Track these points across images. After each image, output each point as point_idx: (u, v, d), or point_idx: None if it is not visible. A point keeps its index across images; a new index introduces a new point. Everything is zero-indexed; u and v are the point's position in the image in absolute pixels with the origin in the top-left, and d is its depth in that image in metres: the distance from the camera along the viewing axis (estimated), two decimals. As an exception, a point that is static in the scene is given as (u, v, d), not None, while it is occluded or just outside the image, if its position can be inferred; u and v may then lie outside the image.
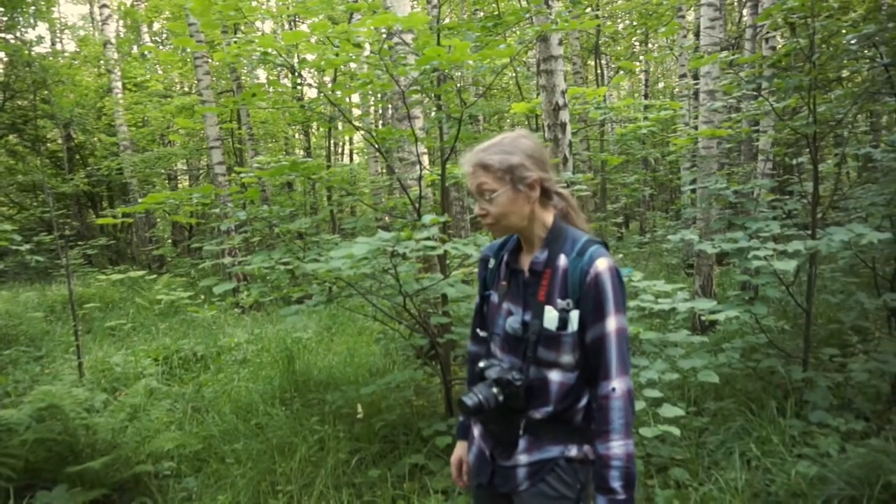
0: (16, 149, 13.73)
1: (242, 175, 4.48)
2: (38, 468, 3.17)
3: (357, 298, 3.98)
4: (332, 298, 3.40)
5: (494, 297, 1.68)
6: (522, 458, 1.57)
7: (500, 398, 1.53)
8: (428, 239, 2.62)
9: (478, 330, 1.79)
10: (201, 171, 16.56)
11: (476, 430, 1.73)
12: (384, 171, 13.05)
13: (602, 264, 1.48)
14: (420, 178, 3.87)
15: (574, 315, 1.49)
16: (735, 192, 4.42)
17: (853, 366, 3.90)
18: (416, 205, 3.73)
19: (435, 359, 4.42)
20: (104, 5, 13.46)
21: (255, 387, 4.76)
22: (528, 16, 3.83)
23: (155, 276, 10.45)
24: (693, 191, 6.91)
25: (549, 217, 1.60)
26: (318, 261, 2.89)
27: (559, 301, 1.51)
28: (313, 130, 17.41)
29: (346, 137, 20.54)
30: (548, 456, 1.55)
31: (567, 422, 1.55)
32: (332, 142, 15.41)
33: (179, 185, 17.69)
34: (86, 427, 3.47)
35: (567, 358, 1.52)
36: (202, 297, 8.54)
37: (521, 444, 1.57)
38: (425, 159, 5.44)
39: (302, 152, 16.26)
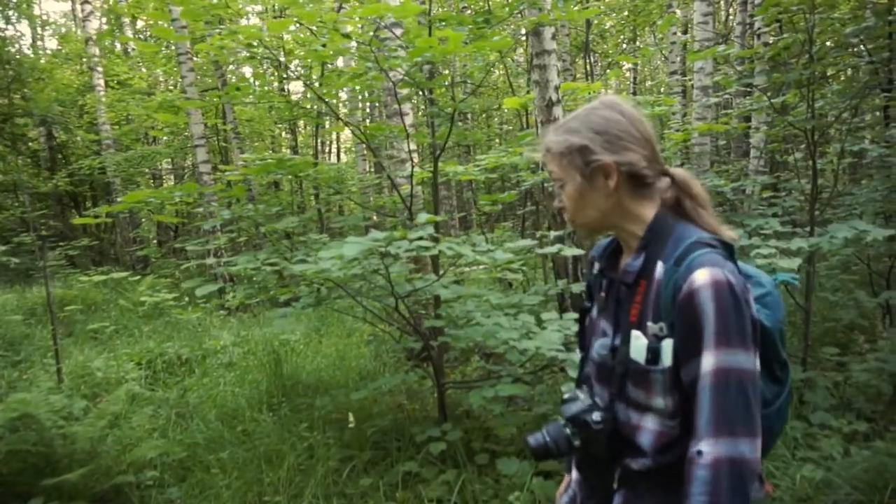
0: (-6, 148, 13.45)
1: (228, 173, 4.35)
2: (11, 481, 3.02)
3: (347, 300, 3.85)
4: (321, 300, 3.28)
5: (594, 311, 1.34)
6: None
7: (576, 442, 1.22)
8: (422, 239, 2.51)
9: (580, 350, 1.43)
10: (186, 171, 16.33)
11: (574, 472, 1.40)
12: (372, 169, 12.93)
13: (702, 276, 1.07)
14: (411, 175, 3.75)
15: (667, 345, 1.12)
16: (731, 189, 4.36)
17: (854, 366, 3.83)
18: (408, 203, 3.62)
19: (427, 361, 4.31)
20: (86, 1, 13.20)
21: (242, 391, 4.62)
22: (521, 6, 3.72)
23: (139, 277, 10.25)
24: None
25: (648, 210, 1.22)
26: (307, 261, 2.77)
27: (651, 325, 1.14)
28: (300, 129, 17.23)
29: (334, 136, 20.38)
30: None
31: (675, 478, 1.12)
32: (319, 140, 15.24)
33: (164, 185, 17.43)
34: (63, 436, 3.32)
35: (659, 401, 1.15)
36: (187, 298, 8.37)
37: (616, 499, 1.24)
38: (415, 157, 5.32)
39: (288, 151, 16.08)
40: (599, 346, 1.27)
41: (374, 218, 7.81)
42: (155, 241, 14.76)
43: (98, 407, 4.07)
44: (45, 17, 19.25)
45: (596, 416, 1.20)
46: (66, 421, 3.64)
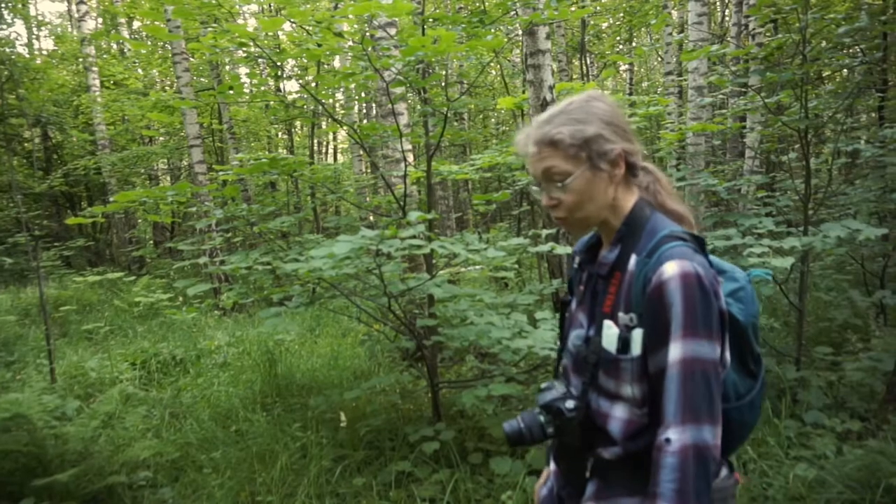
0: (-13, 148, 13.38)
1: (221, 173, 4.34)
2: (2, 482, 3.01)
3: (341, 299, 3.85)
4: (314, 300, 3.27)
5: (574, 304, 1.37)
6: None
7: (549, 430, 1.25)
8: (414, 237, 2.50)
9: (559, 342, 1.46)
10: (182, 171, 16.30)
11: (552, 464, 1.43)
12: (368, 169, 12.92)
13: (671, 269, 1.10)
14: (405, 175, 3.74)
15: (637, 335, 1.16)
16: (726, 188, 4.36)
17: (848, 365, 3.84)
18: (402, 202, 3.61)
19: (421, 361, 4.30)
20: (81, 1, 13.17)
21: (236, 391, 4.61)
22: (514, 7, 3.72)
23: (134, 277, 10.23)
24: (681, 188, 6.84)
25: (628, 201, 1.25)
26: (299, 260, 2.76)
27: (622, 315, 1.18)
28: (296, 130, 17.21)
29: (330, 136, 20.38)
30: None
31: (645, 466, 1.16)
32: (315, 141, 15.24)
33: (160, 185, 17.37)
34: (55, 437, 3.31)
35: (629, 390, 1.18)
36: (181, 298, 8.35)
37: (589, 488, 1.26)
38: (410, 157, 5.32)
39: (284, 151, 16.05)
40: (575, 336, 1.30)
41: (371, 218, 7.80)
42: (151, 242, 14.73)
43: (91, 407, 4.06)
44: (40, 18, 19.19)
45: (569, 404, 1.23)
46: (59, 421, 3.63)
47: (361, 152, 12.72)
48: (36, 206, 13.15)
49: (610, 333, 1.19)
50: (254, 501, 3.05)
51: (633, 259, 1.19)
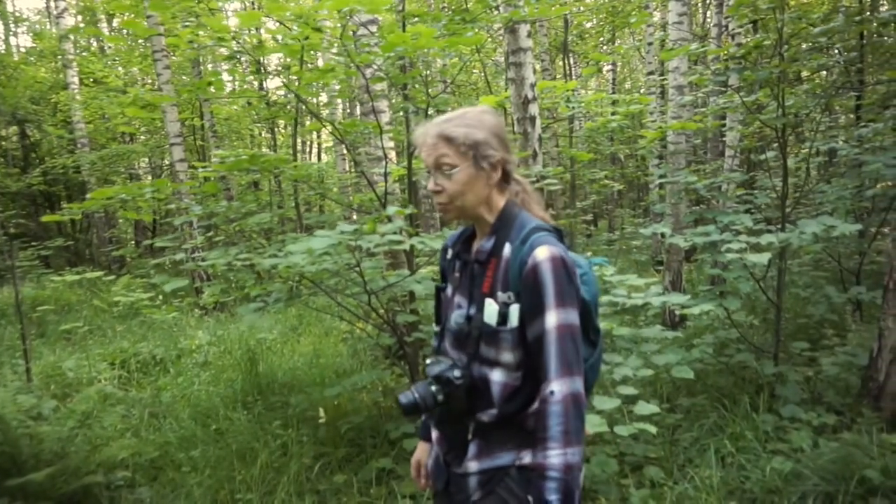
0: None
1: (201, 170, 4.29)
2: (-25, 482, 2.95)
3: (323, 297, 3.83)
4: (294, 297, 3.25)
5: (448, 290, 1.58)
6: (472, 466, 1.46)
7: (440, 398, 1.42)
8: (393, 233, 2.49)
9: (436, 326, 1.65)
10: (164, 170, 16.11)
11: (433, 433, 1.61)
12: (351, 168, 12.88)
13: (542, 253, 1.34)
14: (386, 172, 3.73)
15: (514, 310, 1.37)
16: (705, 186, 4.40)
17: (824, 360, 3.89)
18: (383, 200, 3.60)
19: (403, 358, 4.29)
20: (59, -3, 12.97)
21: (216, 390, 4.57)
22: (496, 4, 3.73)
23: (114, 277, 10.09)
24: (662, 186, 6.90)
25: (500, 202, 1.48)
26: (278, 256, 2.74)
27: (500, 294, 1.39)
28: (279, 129, 17.11)
29: (314, 136, 20.27)
30: (499, 464, 1.43)
31: (518, 426, 1.42)
32: (298, 140, 15.14)
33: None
34: (30, 436, 3.26)
35: (507, 357, 1.40)
36: (161, 297, 8.26)
37: (471, 449, 1.46)
38: (392, 154, 5.31)
39: (267, 150, 15.94)
40: (456, 316, 1.49)
41: (354, 217, 7.77)
42: (132, 242, 14.54)
43: (67, 406, 4.00)
44: (17, 14, 18.87)
45: (456, 373, 1.42)
46: (35, 421, 3.58)
47: (345, 151, 12.67)
48: (13, 204, 12.93)
49: (490, 310, 1.40)
50: (233, 499, 3.02)
51: (507, 247, 1.42)
